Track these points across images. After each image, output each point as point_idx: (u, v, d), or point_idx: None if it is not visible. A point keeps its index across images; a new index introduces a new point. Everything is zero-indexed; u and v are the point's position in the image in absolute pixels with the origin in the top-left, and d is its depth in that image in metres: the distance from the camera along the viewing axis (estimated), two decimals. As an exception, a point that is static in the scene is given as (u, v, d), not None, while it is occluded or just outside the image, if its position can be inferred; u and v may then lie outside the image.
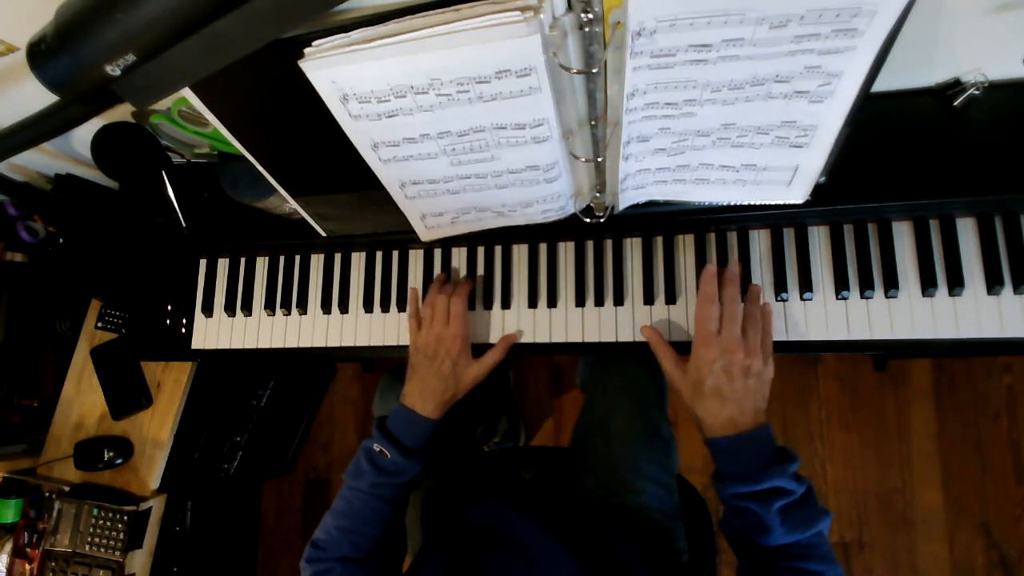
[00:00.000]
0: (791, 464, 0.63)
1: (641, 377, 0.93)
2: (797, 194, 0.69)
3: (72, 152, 0.94)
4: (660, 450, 0.89)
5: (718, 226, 0.79)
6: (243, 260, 0.96)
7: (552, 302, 0.83)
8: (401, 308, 0.88)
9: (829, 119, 0.58)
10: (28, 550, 1.10)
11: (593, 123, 0.59)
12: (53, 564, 1.08)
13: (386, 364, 1.80)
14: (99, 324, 1.15)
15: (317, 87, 0.55)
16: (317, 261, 0.93)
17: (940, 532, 1.47)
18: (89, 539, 1.06)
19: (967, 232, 0.73)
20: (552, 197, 0.70)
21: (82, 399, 1.16)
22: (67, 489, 1.11)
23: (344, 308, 0.90)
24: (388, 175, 0.68)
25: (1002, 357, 1.48)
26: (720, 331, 0.68)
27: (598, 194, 0.71)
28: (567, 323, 0.81)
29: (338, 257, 0.92)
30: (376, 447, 0.74)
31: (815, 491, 0.64)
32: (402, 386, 0.79)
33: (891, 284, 0.73)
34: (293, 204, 0.78)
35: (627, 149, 0.62)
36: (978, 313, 0.71)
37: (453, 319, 0.78)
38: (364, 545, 0.72)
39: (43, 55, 0.48)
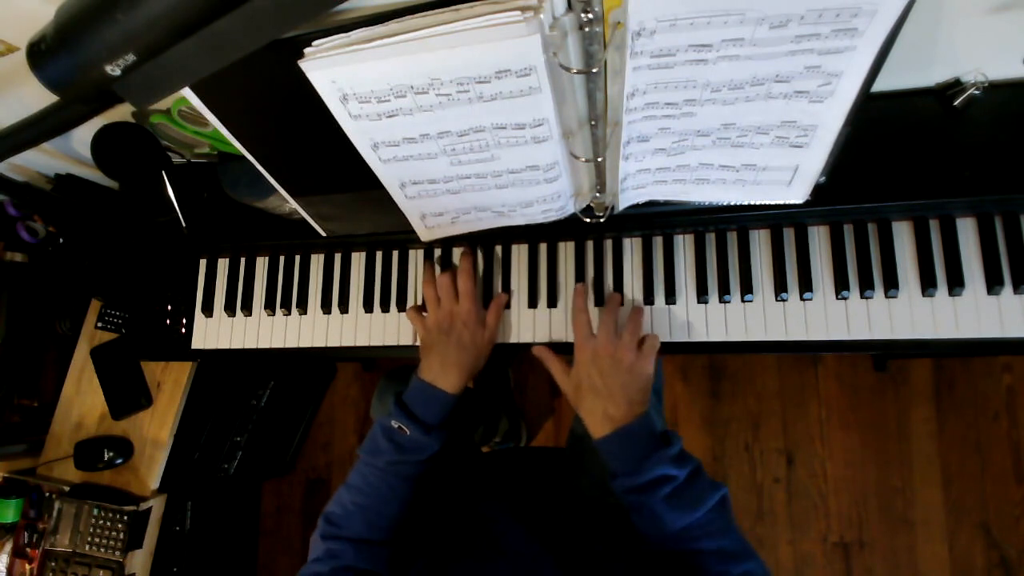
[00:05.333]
0: (670, 449, 0.64)
1: None
2: (797, 194, 0.69)
3: (72, 152, 0.94)
4: None
5: (718, 226, 0.79)
6: (243, 260, 0.96)
7: (552, 302, 0.83)
8: (401, 308, 0.88)
9: (829, 119, 0.58)
10: (28, 550, 1.10)
11: (593, 123, 0.59)
12: (53, 564, 1.08)
13: (386, 364, 1.80)
14: (99, 324, 1.15)
15: (317, 87, 0.55)
16: (317, 261, 0.93)
17: (940, 532, 1.47)
18: (89, 539, 1.06)
19: (967, 232, 0.73)
20: (552, 197, 0.70)
21: (82, 399, 1.16)
22: (67, 489, 1.11)
23: (344, 308, 0.90)
24: (388, 175, 0.68)
25: (1002, 357, 1.48)
26: (594, 335, 0.73)
27: (598, 194, 0.71)
28: (567, 323, 0.81)
29: (338, 257, 0.92)
30: (394, 423, 0.73)
31: (703, 469, 0.66)
32: (399, 389, 0.79)
33: (891, 284, 0.73)
34: (293, 204, 0.78)
35: (627, 149, 0.62)
36: (978, 313, 0.71)
37: (463, 296, 0.79)
38: (380, 525, 0.70)
39: (43, 55, 0.48)
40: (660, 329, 0.78)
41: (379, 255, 0.91)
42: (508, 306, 0.84)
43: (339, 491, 0.73)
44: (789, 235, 0.77)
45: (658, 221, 0.78)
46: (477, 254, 0.86)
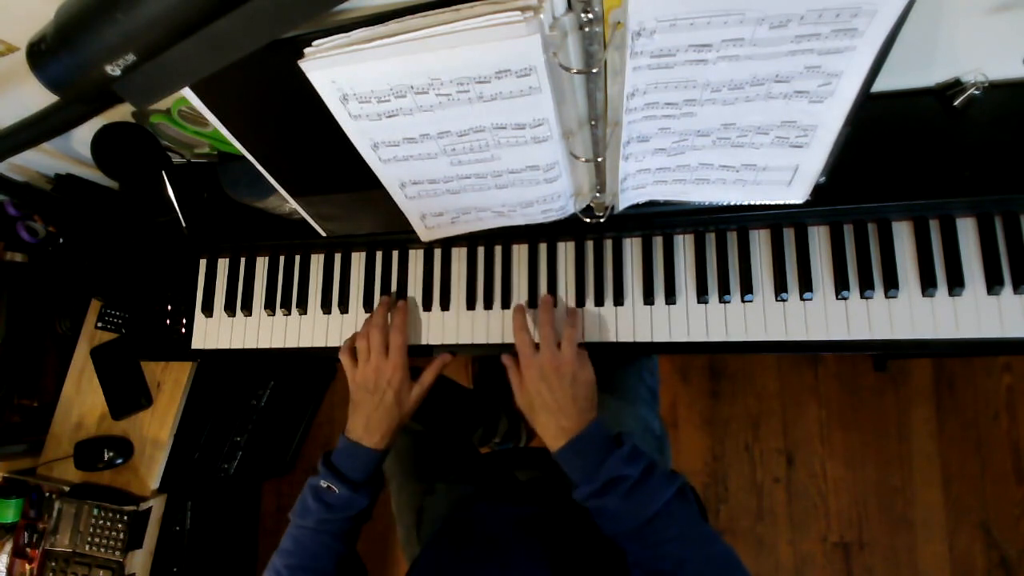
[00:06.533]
0: (622, 449, 0.66)
1: (632, 376, 0.94)
2: (797, 194, 0.69)
3: (72, 152, 0.94)
4: (652, 447, 0.90)
5: (718, 226, 0.79)
6: (243, 260, 0.96)
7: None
8: (401, 308, 0.88)
9: (829, 119, 0.58)
10: (28, 550, 1.10)
11: (593, 123, 0.59)
12: (53, 564, 1.08)
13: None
14: (99, 324, 1.15)
15: (317, 87, 0.55)
16: (317, 261, 0.93)
17: (940, 532, 1.47)
18: (89, 539, 1.06)
19: (967, 232, 0.73)
20: (552, 197, 0.70)
21: (82, 399, 1.16)
22: (67, 489, 1.11)
23: (344, 308, 0.90)
24: (388, 175, 0.68)
25: (1002, 357, 1.48)
26: (537, 351, 0.74)
27: (598, 194, 0.71)
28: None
29: (338, 257, 0.92)
30: (323, 483, 0.73)
31: (657, 466, 0.67)
32: None
33: (891, 284, 0.73)
34: (293, 204, 0.78)
35: (627, 149, 0.62)
36: (978, 313, 0.71)
37: (393, 351, 0.79)
38: None
39: (43, 55, 0.48)
40: (660, 329, 0.78)
41: (379, 255, 0.91)
42: (508, 307, 0.84)
43: (271, 560, 0.73)
44: (789, 235, 0.77)
45: (658, 221, 0.78)
46: (477, 275, 0.86)
